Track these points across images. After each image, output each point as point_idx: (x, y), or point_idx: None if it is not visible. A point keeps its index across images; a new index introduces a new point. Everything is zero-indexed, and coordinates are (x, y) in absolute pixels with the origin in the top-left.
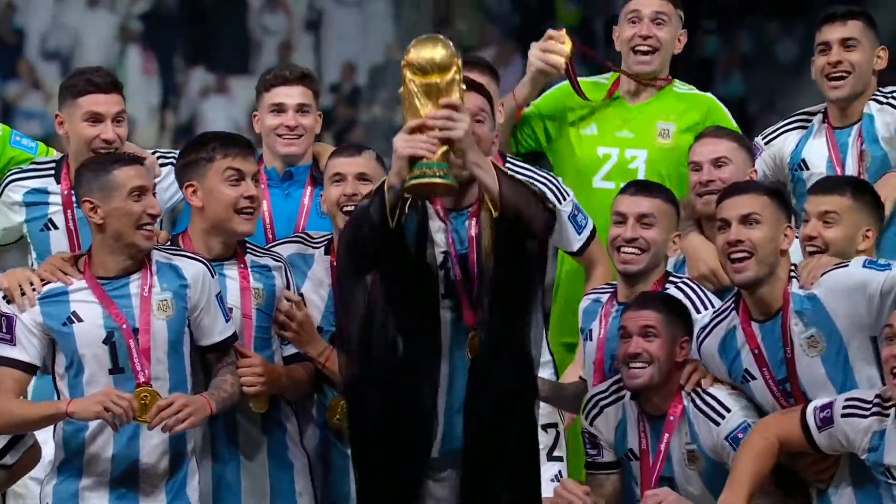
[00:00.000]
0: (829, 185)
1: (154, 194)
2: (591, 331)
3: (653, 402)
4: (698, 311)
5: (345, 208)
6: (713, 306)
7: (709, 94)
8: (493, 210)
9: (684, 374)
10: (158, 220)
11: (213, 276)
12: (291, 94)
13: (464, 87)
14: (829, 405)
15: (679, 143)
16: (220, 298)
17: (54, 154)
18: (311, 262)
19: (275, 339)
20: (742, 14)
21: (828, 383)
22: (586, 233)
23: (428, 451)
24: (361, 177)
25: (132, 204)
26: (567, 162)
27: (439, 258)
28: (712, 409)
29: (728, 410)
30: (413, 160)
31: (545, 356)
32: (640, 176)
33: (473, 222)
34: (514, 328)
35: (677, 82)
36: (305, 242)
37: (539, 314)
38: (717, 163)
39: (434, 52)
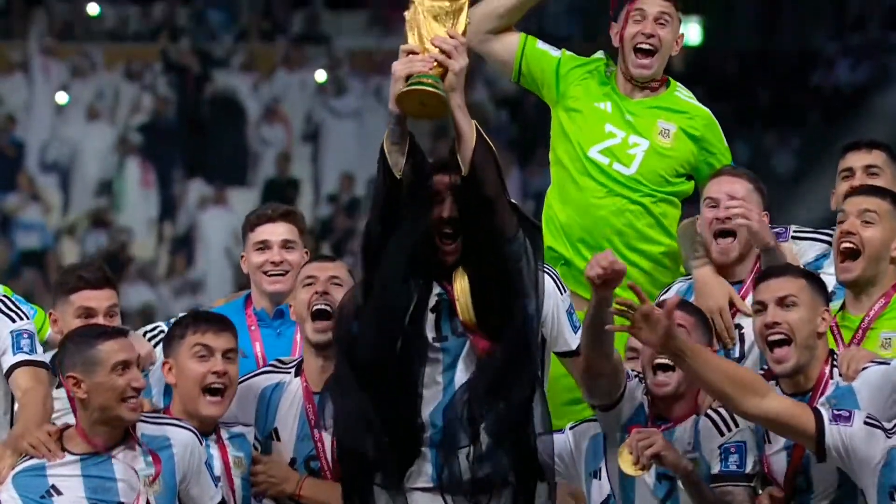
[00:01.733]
0: (872, 189)
1: (138, 366)
2: (598, 470)
3: (672, 407)
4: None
5: (315, 307)
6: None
7: (706, 108)
8: (462, 166)
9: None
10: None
11: (200, 444)
12: (276, 231)
13: (469, 21)
14: (849, 412)
15: (677, 147)
16: (209, 465)
17: (44, 320)
18: (283, 388)
19: None
20: (738, 125)
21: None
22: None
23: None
24: (333, 279)
25: (116, 378)
26: (573, 121)
27: (432, 301)
28: (723, 419)
29: (736, 426)
30: (408, 78)
31: None
32: (636, 164)
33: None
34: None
35: (678, 85)
36: (276, 370)
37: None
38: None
39: None
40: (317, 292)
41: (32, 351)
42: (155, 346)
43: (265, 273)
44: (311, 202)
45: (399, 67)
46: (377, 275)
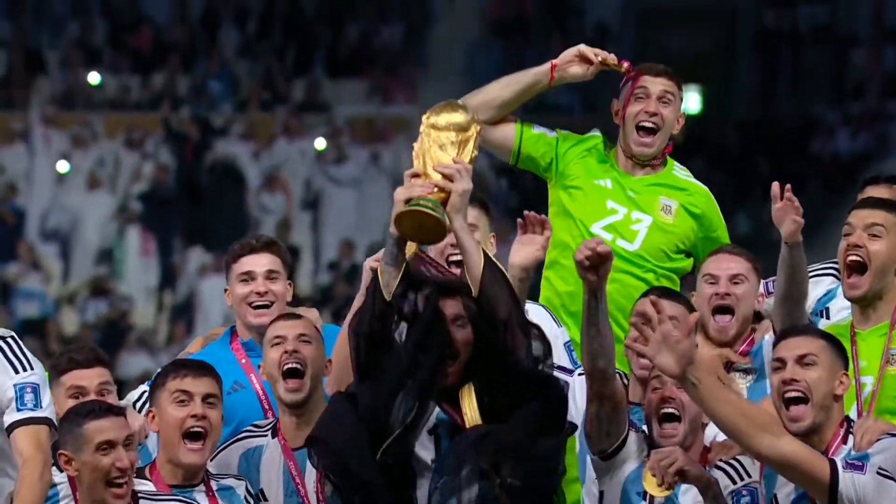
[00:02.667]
0: (879, 201)
1: (128, 446)
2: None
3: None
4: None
5: (286, 366)
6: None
7: (704, 186)
8: (471, 287)
9: (715, 449)
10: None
11: None
12: (259, 262)
13: (476, 152)
14: (861, 462)
15: (679, 223)
16: None
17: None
18: (262, 451)
19: None
20: (738, 194)
21: None
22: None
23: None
24: (301, 337)
25: (100, 458)
26: (573, 199)
27: (430, 423)
28: (734, 468)
29: (749, 476)
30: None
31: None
32: (640, 239)
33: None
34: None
35: (675, 164)
36: (252, 434)
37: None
38: (734, 279)
39: (455, 115)
40: (286, 351)
41: (37, 406)
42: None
43: (250, 304)
44: (311, 269)
45: (400, 191)
46: (369, 389)
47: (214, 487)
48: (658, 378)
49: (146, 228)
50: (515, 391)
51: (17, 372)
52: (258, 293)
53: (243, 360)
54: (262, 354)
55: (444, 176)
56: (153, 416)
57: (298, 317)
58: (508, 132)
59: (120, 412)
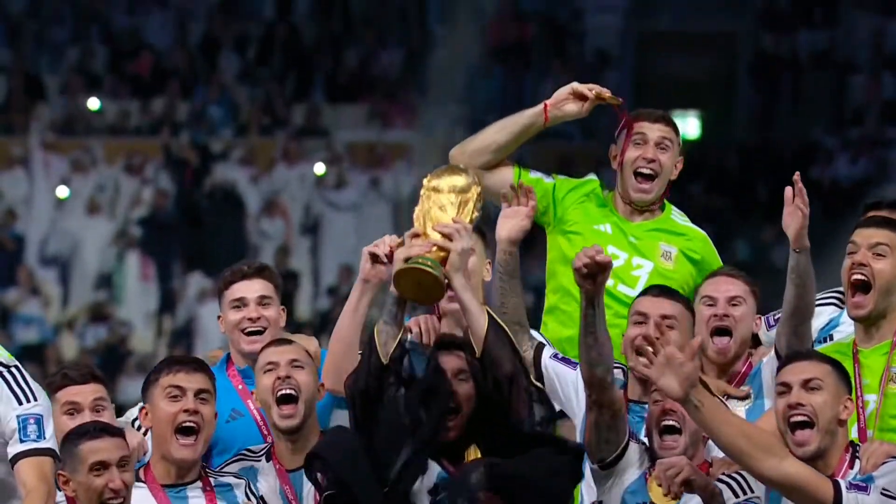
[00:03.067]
0: (883, 220)
1: (123, 467)
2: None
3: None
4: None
5: (280, 392)
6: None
7: (701, 230)
8: (475, 346)
9: (716, 464)
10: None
11: None
12: (251, 288)
13: (477, 213)
14: (865, 483)
15: (679, 269)
16: None
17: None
18: (257, 474)
19: None
20: (737, 219)
21: None
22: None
23: None
24: (293, 363)
25: (93, 479)
26: (573, 244)
27: (431, 481)
28: (738, 482)
29: (752, 490)
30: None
31: None
32: (641, 285)
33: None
34: None
35: (673, 208)
36: (246, 458)
37: None
38: (733, 301)
39: (456, 178)
40: (279, 377)
41: (40, 437)
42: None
43: (242, 331)
44: (310, 295)
45: (400, 251)
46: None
47: (213, 483)
48: (659, 391)
49: (145, 253)
50: (518, 452)
51: (20, 403)
52: (250, 319)
53: (240, 387)
54: None
55: (444, 235)
56: (146, 413)
57: (290, 342)
58: (506, 178)
59: (116, 433)
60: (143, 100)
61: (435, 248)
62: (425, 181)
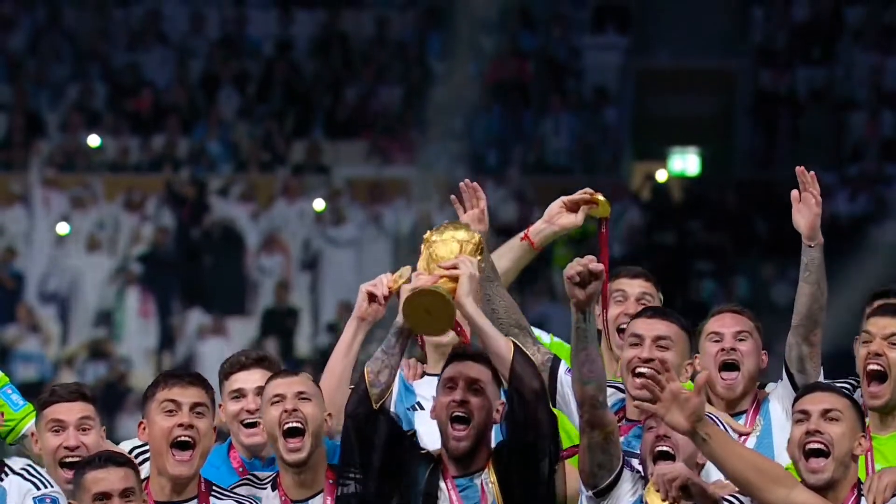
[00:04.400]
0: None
1: (128, 498)
2: None
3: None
4: None
5: (286, 426)
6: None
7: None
8: (501, 370)
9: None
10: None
11: None
12: (250, 379)
13: (479, 256)
14: None
15: None
16: None
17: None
18: (261, 502)
19: None
20: (737, 256)
21: None
22: None
23: None
24: (300, 395)
25: None
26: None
27: None
28: (739, 500)
29: None
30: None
31: None
32: None
33: (482, 484)
34: None
35: None
36: (253, 484)
37: None
38: (739, 336)
39: (457, 233)
40: (286, 410)
41: None
42: (141, 464)
43: (241, 423)
44: (309, 331)
45: (406, 286)
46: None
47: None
48: (653, 417)
49: (145, 290)
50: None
51: (38, 489)
52: (248, 411)
53: (240, 469)
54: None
55: (449, 269)
56: (144, 428)
57: (296, 373)
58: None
59: (123, 463)
60: (143, 136)
61: (443, 280)
62: (426, 237)
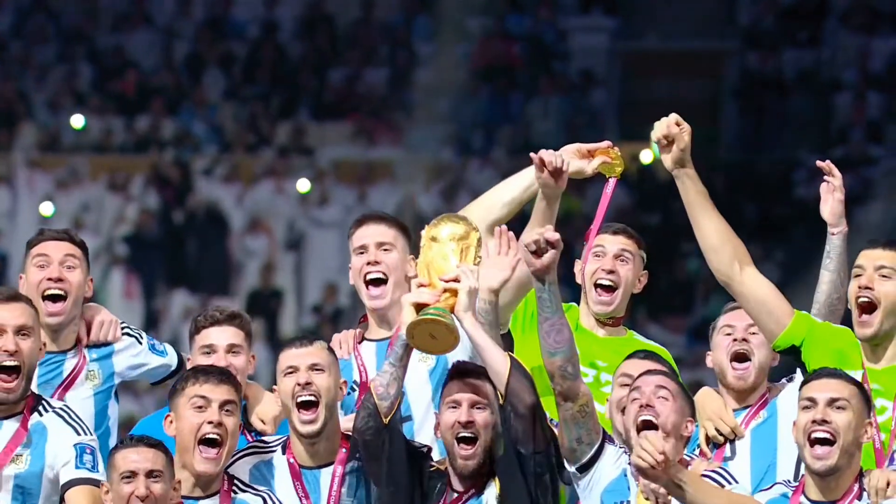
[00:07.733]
0: (888, 242)
1: (156, 478)
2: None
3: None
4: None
5: (299, 398)
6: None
7: (663, 347)
8: (497, 384)
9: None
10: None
11: None
12: (221, 336)
13: (480, 258)
14: None
15: None
16: None
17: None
18: (272, 468)
19: None
20: None
21: None
22: None
23: None
24: (314, 367)
25: (122, 486)
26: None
27: None
28: (721, 476)
29: (736, 482)
30: (418, 309)
31: None
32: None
33: (486, 500)
34: None
35: (633, 333)
36: (260, 451)
37: None
38: (751, 329)
39: (455, 227)
40: (299, 383)
41: (94, 468)
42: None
43: None
44: (294, 312)
45: (407, 296)
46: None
47: (233, 499)
48: (637, 389)
49: (130, 271)
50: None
51: (77, 434)
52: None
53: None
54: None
55: (450, 282)
56: (171, 422)
57: (311, 342)
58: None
59: (154, 445)
60: (127, 118)
61: (444, 296)
62: (424, 232)
